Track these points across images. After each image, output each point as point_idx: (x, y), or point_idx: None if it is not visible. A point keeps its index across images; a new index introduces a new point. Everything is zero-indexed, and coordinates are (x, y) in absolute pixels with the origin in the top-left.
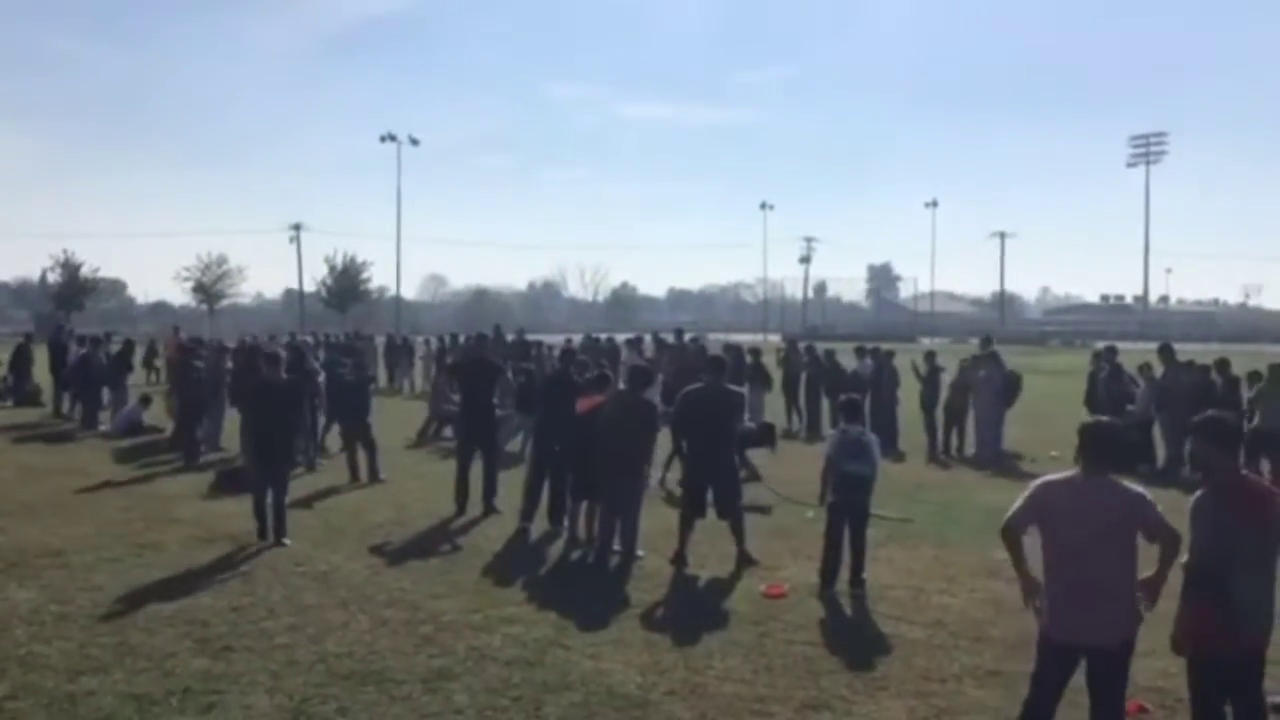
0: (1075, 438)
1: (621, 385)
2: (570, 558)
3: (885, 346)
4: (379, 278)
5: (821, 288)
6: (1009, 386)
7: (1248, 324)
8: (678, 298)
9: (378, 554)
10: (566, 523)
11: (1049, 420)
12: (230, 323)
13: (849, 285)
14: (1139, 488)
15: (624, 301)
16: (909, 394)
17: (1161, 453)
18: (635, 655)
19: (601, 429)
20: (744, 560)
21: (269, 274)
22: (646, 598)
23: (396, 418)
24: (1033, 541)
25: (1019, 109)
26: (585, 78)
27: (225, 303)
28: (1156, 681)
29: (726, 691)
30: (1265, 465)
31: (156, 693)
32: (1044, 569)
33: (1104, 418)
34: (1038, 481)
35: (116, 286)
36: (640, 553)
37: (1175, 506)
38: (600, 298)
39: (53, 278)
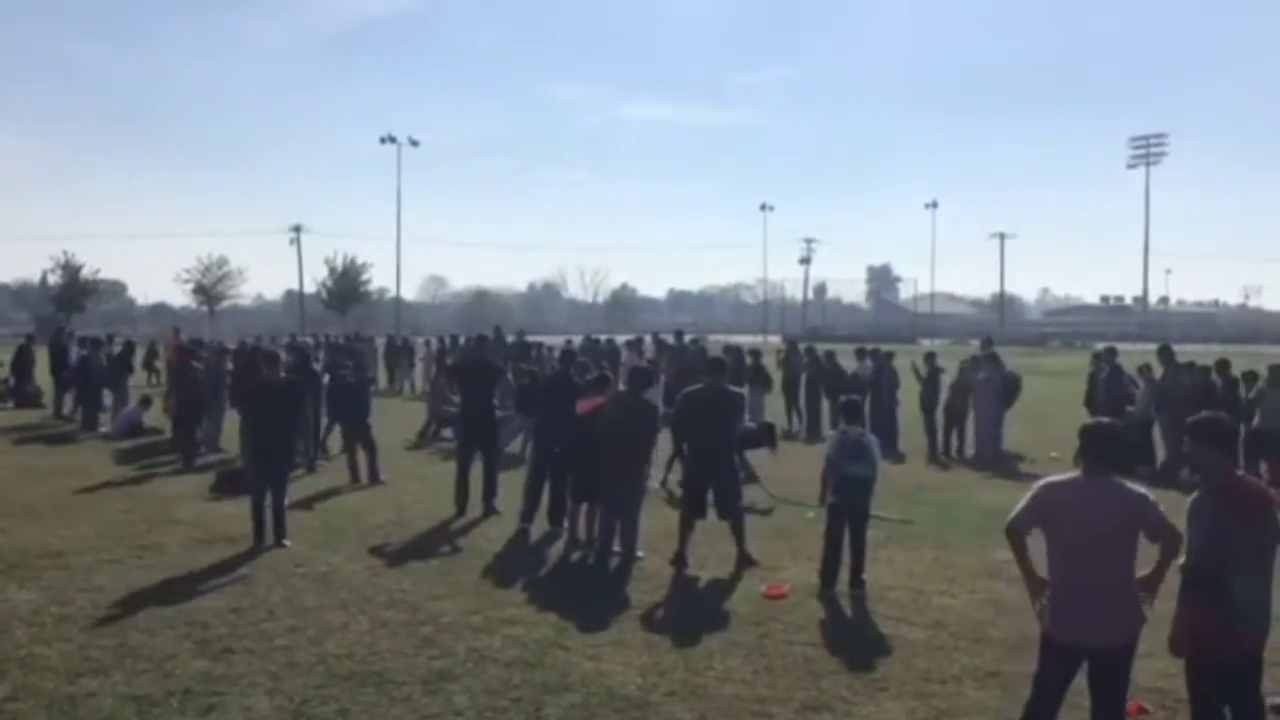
0: (1075, 439)
1: (621, 387)
2: (570, 559)
3: (885, 348)
4: (379, 279)
5: (821, 289)
6: (1008, 388)
7: (1248, 325)
8: (678, 299)
9: (378, 555)
10: (567, 524)
11: (1049, 421)
12: (230, 324)
13: (849, 286)
14: (1141, 488)
15: (624, 302)
16: (909, 395)
17: (1161, 454)
18: (635, 656)
19: (601, 430)
20: (744, 561)
21: (269, 275)
22: (647, 599)
23: (396, 419)
24: (1035, 542)
25: (1019, 110)
26: (585, 79)
27: (225, 304)
28: (1157, 682)
29: (727, 692)
30: (1264, 467)
31: (156, 694)
32: (1047, 570)
33: (1104, 419)
34: (1040, 483)
35: (117, 288)
36: (640, 554)
37: (1175, 507)
38: (600, 299)
39: (53, 279)
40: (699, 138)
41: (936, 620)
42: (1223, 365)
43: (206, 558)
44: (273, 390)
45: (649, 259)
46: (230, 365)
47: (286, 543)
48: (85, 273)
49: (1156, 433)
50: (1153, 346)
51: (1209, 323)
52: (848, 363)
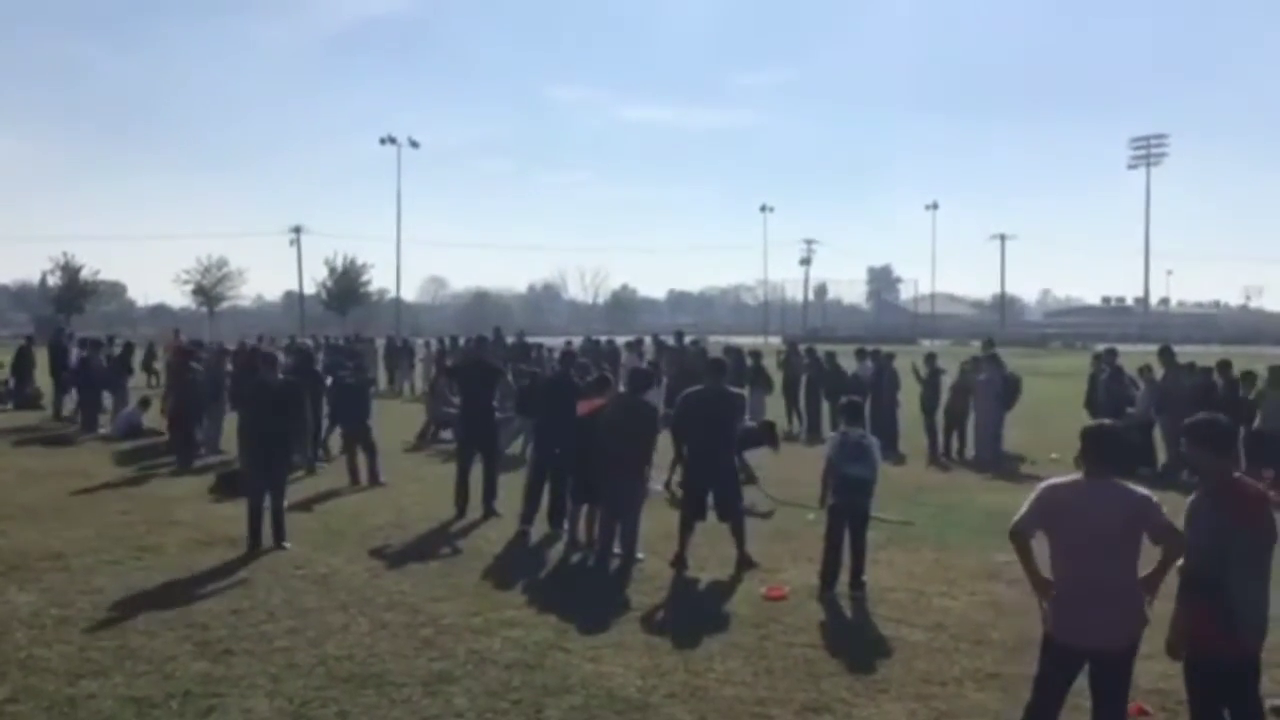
0: (1076, 440)
1: (622, 388)
2: (570, 561)
3: (886, 349)
4: (379, 280)
5: (822, 290)
6: (1009, 389)
7: (1248, 326)
8: (678, 300)
9: (378, 557)
10: (567, 526)
11: (1049, 422)
12: (230, 325)
13: (849, 287)
14: (1144, 490)
15: (624, 304)
16: (909, 396)
17: (1162, 455)
18: (635, 658)
19: (602, 432)
20: (744, 563)
21: (269, 276)
22: (647, 600)
23: (396, 420)
24: (1038, 544)
25: (1019, 111)
26: (585, 80)
27: (225, 305)
28: (1157, 684)
29: (727, 694)
30: (1266, 469)
31: (156, 696)
32: (1050, 572)
33: (1105, 420)
34: (1042, 485)
35: (116, 289)
36: (640, 555)
37: (1175, 509)
38: (600, 300)
39: (53, 281)
40: (699, 139)
41: (937, 622)
42: (1224, 366)
43: (206, 559)
44: (271, 392)
45: (649, 260)
46: (230, 366)
47: (286, 545)
48: (85, 274)
49: (1157, 434)
50: (1153, 348)
51: (1210, 324)
52: (848, 364)
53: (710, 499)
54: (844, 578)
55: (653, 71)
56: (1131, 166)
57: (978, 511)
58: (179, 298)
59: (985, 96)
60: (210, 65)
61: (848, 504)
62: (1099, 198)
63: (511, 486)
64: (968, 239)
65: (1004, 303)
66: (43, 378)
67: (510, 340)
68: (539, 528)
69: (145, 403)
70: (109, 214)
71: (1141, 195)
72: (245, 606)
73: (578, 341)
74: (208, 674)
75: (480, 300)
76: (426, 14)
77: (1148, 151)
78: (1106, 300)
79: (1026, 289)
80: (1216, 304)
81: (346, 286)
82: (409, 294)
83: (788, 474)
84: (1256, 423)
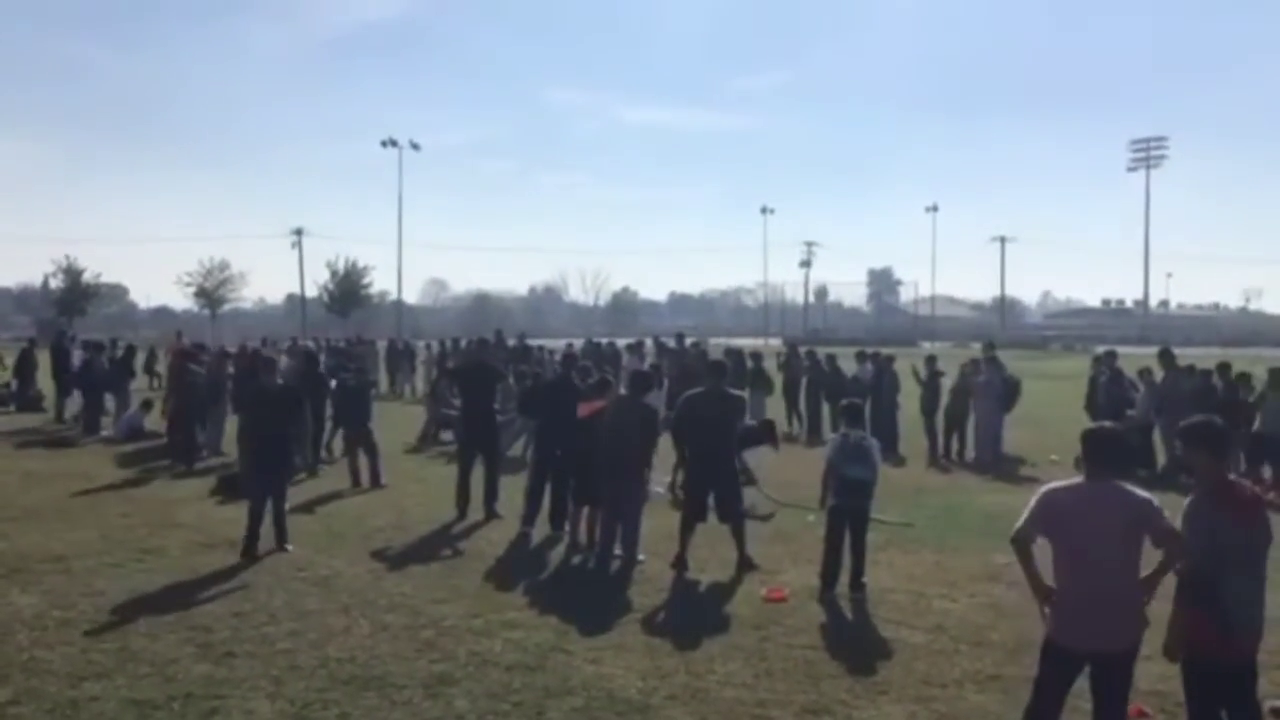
0: (1075, 442)
1: (623, 390)
2: (571, 562)
3: (886, 351)
4: (380, 282)
5: (822, 292)
6: (1009, 391)
7: (1248, 328)
8: (678, 302)
9: (379, 559)
10: (568, 527)
11: (1049, 424)
12: (232, 328)
13: (850, 289)
14: (1146, 493)
15: (625, 306)
16: (909, 398)
17: (1162, 457)
18: (636, 660)
19: (602, 434)
20: (745, 564)
21: (271, 279)
22: (647, 602)
23: (397, 422)
24: (1039, 548)
25: (1019, 113)
26: (585, 83)
27: (227, 308)
28: (1156, 686)
29: (727, 696)
30: (1266, 470)
31: (158, 698)
32: (1053, 575)
33: (1105, 423)
34: (1043, 489)
35: (118, 292)
36: (641, 557)
37: (1174, 511)
38: (601, 302)
39: (55, 283)
40: (699, 141)
41: (937, 624)
42: (1224, 368)
43: (208, 561)
44: (270, 397)
45: (650, 262)
46: (231, 369)
47: (288, 547)
48: (87, 276)
49: (1157, 436)
50: (1153, 350)
51: (1209, 326)
52: (848, 366)
53: (711, 500)
54: (844, 579)
55: (653, 73)
56: (1131, 169)
57: (978, 513)
58: (181, 300)
59: (985, 98)
60: (212, 67)
61: (848, 506)
62: (1099, 200)
63: (513, 488)
64: (968, 241)
65: (1004, 305)
66: (45, 380)
67: (511, 342)
68: (540, 529)
69: (147, 405)
70: (111, 216)
71: (1141, 197)
72: (247, 609)
73: (579, 343)
74: (210, 676)
75: (481, 302)
76: (427, 16)
77: (1147, 154)
78: (1106, 302)
79: (1026, 291)
80: (1216, 306)
81: (348, 289)
82: (410, 296)
83: (788, 476)
84: (1256, 425)
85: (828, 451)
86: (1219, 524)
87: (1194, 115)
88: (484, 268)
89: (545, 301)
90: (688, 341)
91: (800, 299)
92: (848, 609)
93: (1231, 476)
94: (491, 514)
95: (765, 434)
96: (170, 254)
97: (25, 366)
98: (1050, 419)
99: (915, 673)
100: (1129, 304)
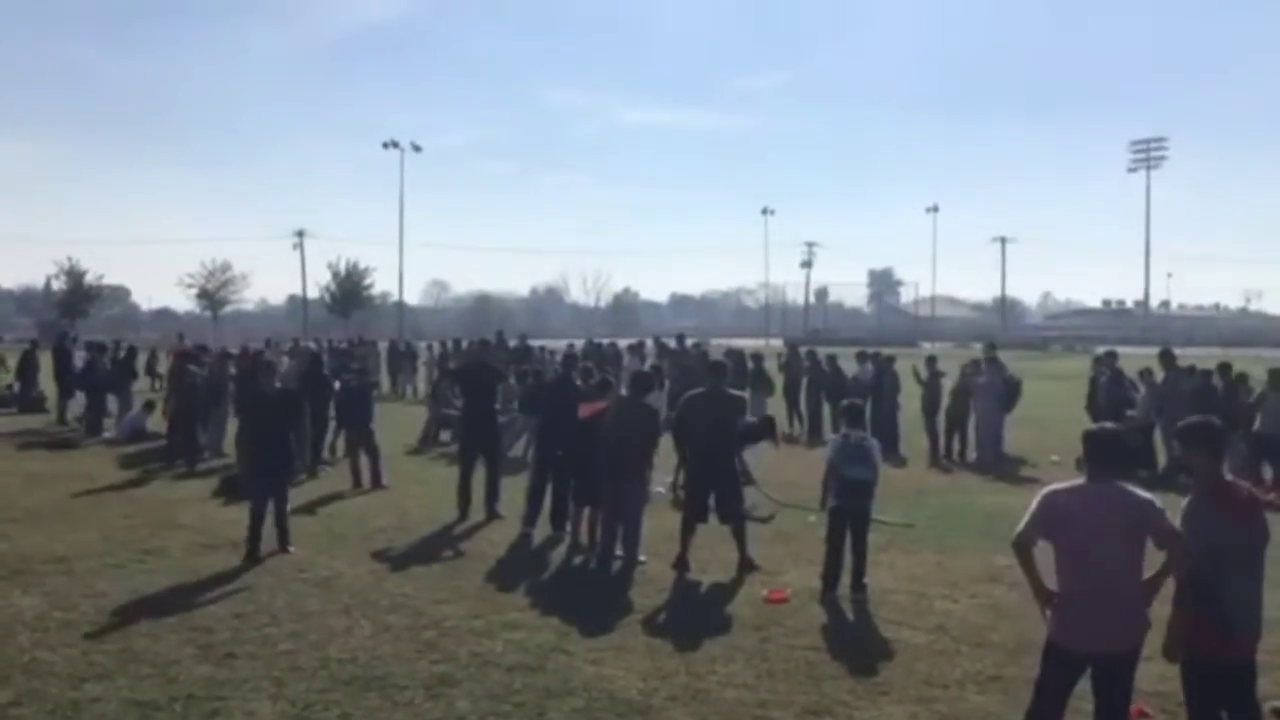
0: (1076, 443)
1: (624, 391)
2: (572, 563)
3: (886, 351)
4: (382, 283)
5: (823, 292)
6: (1009, 391)
7: (1249, 329)
8: (679, 302)
9: (380, 559)
10: (569, 528)
11: (1050, 425)
12: (234, 329)
13: (850, 290)
14: (1147, 494)
15: (626, 306)
16: (910, 399)
17: (1162, 458)
18: (637, 661)
19: (603, 434)
20: (746, 565)
21: (273, 280)
22: (648, 603)
23: (399, 423)
24: (1041, 550)
25: (1019, 113)
26: (586, 84)
27: (229, 309)
28: (1157, 686)
29: (728, 697)
30: (1267, 471)
31: (160, 699)
32: (1054, 577)
33: (1106, 423)
34: (1044, 491)
35: (120, 293)
36: (642, 558)
37: (1174, 511)
38: (602, 303)
39: (57, 285)
40: (699, 142)
41: (938, 624)
42: (1224, 369)
43: (209, 562)
44: (269, 401)
45: (650, 263)
46: (233, 370)
47: (291, 548)
48: (89, 278)
49: (1157, 437)
50: (1154, 350)
51: (1210, 326)
52: (849, 366)
53: (712, 501)
54: (845, 580)
55: (653, 74)
56: (1132, 169)
57: (979, 514)
58: (183, 302)
59: (985, 99)
60: (213, 69)
61: (849, 506)
62: (1099, 200)
63: (514, 489)
64: (968, 241)
65: (1004, 305)
66: (47, 382)
67: (512, 343)
68: (541, 530)
69: (149, 406)
70: (113, 218)
71: (1142, 198)
72: (248, 610)
73: (580, 344)
74: (211, 677)
75: (483, 303)
76: (427, 18)
77: (1148, 154)
78: (1107, 303)
79: (1027, 291)
80: (1216, 307)
81: (349, 290)
82: (411, 297)
83: (788, 476)
84: (1256, 425)
85: (828, 452)
86: (1218, 524)
87: (1194, 115)
88: (485, 268)
89: (546, 302)
90: (688, 342)
91: (801, 299)
92: (849, 610)
93: (1230, 477)
94: (493, 515)
95: (765, 430)
96: (172, 255)
97: (27, 368)
98: (1051, 419)
99: (916, 674)
100: (1129, 304)
